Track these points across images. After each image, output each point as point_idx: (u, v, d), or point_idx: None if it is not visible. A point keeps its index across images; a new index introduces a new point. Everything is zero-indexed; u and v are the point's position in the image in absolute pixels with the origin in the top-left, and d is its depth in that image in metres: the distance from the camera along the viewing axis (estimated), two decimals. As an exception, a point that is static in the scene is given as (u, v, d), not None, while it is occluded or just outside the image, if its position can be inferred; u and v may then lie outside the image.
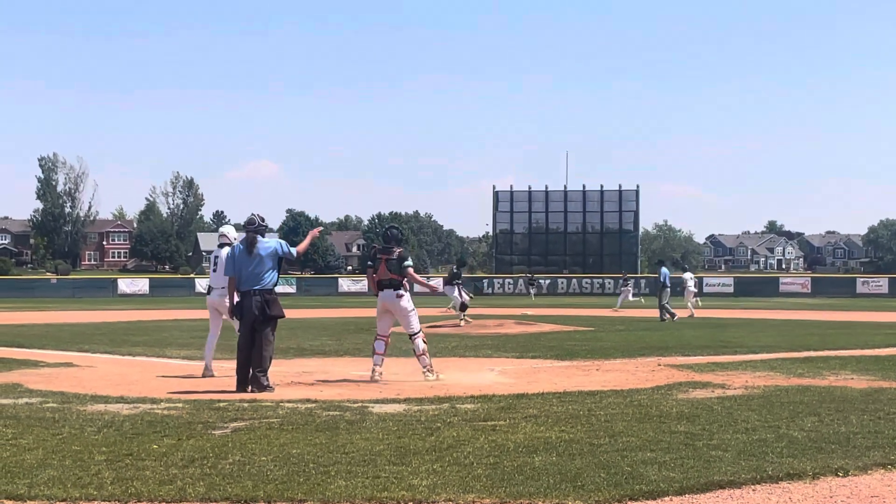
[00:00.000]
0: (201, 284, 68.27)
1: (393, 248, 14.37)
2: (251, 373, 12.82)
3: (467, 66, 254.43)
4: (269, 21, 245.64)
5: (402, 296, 14.22)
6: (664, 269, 34.94)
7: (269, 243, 13.34)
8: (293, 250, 13.46)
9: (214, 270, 15.16)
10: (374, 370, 14.04)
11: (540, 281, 72.81)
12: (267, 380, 12.80)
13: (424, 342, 14.30)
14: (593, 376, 14.48)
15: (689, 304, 38.10)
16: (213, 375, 14.55)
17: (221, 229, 15.60)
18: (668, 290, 33.84)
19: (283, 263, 13.53)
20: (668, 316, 32.33)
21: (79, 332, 24.91)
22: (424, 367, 14.13)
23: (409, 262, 14.43)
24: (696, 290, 40.03)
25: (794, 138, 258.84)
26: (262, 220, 13.60)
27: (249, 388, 12.69)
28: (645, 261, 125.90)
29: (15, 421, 9.83)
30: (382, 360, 14.23)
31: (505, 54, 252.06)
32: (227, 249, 14.71)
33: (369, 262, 14.62)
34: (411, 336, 14.26)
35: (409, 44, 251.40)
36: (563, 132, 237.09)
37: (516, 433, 9.01)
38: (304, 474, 7.24)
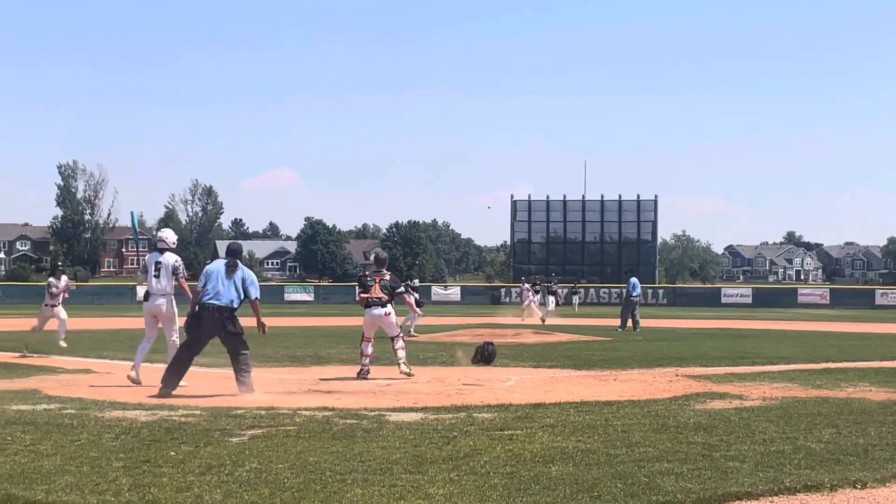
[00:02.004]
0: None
1: (383, 271, 16.34)
2: (235, 377, 13.27)
3: (486, 75, 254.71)
4: (288, 29, 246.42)
5: (390, 313, 16.09)
6: (633, 280, 34.66)
7: (244, 273, 13.71)
8: (252, 293, 13.70)
9: (157, 276, 14.64)
10: (364, 368, 15.78)
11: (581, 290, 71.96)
12: (248, 382, 13.19)
13: (404, 341, 16.29)
14: (610, 386, 14.46)
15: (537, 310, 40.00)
16: (139, 384, 14.07)
17: (161, 233, 15.14)
18: (636, 300, 33.76)
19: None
20: (631, 326, 32.26)
21: (97, 339, 25.00)
22: (402, 360, 15.83)
23: (402, 287, 16.99)
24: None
25: (814, 149, 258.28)
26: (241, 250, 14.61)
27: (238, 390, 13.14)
28: (663, 271, 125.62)
29: (33, 427, 9.87)
30: (370, 359, 15.96)
31: (523, 63, 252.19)
32: (169, 255, 14.71)
33: (360, 288, 16.23)
34: (394, 337, 16.02)
35: (428, 53, 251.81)
36: (581, 142, 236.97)
37: (533, 443, 9.01)
38: (320, 482, 7.26)
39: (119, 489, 7.04)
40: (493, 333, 28.41)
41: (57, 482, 7.23)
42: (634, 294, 33.58)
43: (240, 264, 13.79)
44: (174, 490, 7.02)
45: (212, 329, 13.42)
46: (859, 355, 20.65)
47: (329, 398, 12.70)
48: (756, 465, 7.95)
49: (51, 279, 21.84)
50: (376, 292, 15.99)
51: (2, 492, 6.93)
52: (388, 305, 16.07)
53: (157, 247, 14.96)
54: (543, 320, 38.49)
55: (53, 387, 13.79)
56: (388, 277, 16.20)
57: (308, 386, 14.33)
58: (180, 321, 14.57)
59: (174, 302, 14.74)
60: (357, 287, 16.64)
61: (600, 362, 18.65)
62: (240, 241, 16.06)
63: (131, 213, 17.81)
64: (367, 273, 16.63)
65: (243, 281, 13.63)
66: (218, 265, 13.88)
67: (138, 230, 15.23)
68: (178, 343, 14.47)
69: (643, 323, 33.03)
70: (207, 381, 14.64)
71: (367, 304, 15.97)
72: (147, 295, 14.78)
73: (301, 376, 15.56)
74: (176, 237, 15.27)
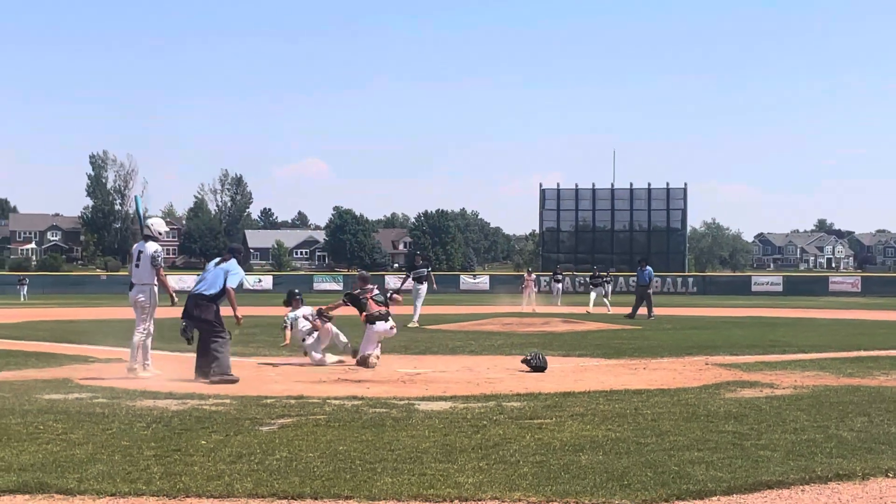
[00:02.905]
0: (248, 281, 68.60)
1: (369, 287, 16.45)
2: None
3: (515, 64, 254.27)
4: (316, 19, 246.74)
5: (394, 326, 16.30)
6: (649, 268, 34.67)
7: (230, 267, 14.28)
8: (228, 282, 14.11)
9: (137, 266, 14.34)
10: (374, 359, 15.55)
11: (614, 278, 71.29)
12: (218, 374, 13.45)
13: None
14: (640, 375, 14.42)
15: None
16: (155, 374, 13.90)
17: (149, 222, 14.69)
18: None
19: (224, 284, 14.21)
20: (645, 313, 32.41)
21: (128, 328, 24.99)
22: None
23: (389, 293, 17.27)
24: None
25: (845, 135, 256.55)
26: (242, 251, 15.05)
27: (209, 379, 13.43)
28: (693, 260, 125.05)
29: (65, 416, 9.94)
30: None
31: (552, 52, 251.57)
32: (151, 244, 14.27)
33: (357, 307, 16.10)
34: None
35: (456, 42, 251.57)
36: (610, 130, 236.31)
37: (562, 431, 9.00)
38: (350, 471, 7.28)
39: (150, 477, 7.09)
40: (521, 322, 28.44)
41: (89, 471, 7.28)
42: (644, 283, 33.89)
43: (232, 259, 14.35)
44: (205, 478, 7.05)
45: (188, 315, 14.16)
46: (891, 343, 20.50)
47: (358, 387, 12.73)
48: (787, 454, 7.91)
49: (291, 314, 16.89)
50: (373, 307, 15.95)
51: (35, 480, 6.98)
52: (390, 318, 16.20)
53: (144, 234, 14.56)
54: (608, 309, 38.33)
55: (85, 376, 13.86)
56: (376, 292, 16.43)
57: (337, 375, 14.35)
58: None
59: (155, 293, 14.32)
60: (350, 305, 16.39)
61: (630, 351, 18.60)
62: (240, 245, 16.17)
63: (135, 197, 16.85)
64: (357, 292, 16.39)
65: (226, 273, 14.12)
66: (214, 260, 14.63)
67: (143, 215, 14.92)
68: (141, 336, 14.18)
69: (641, 312, 33.00)
70: (237, 370, 14.70)
71: (371, 320, 15.85)
72: (131, 285, 14.40)
73: (330, 366, 15.58)
74: (165, 228, 14.90)
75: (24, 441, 8.54)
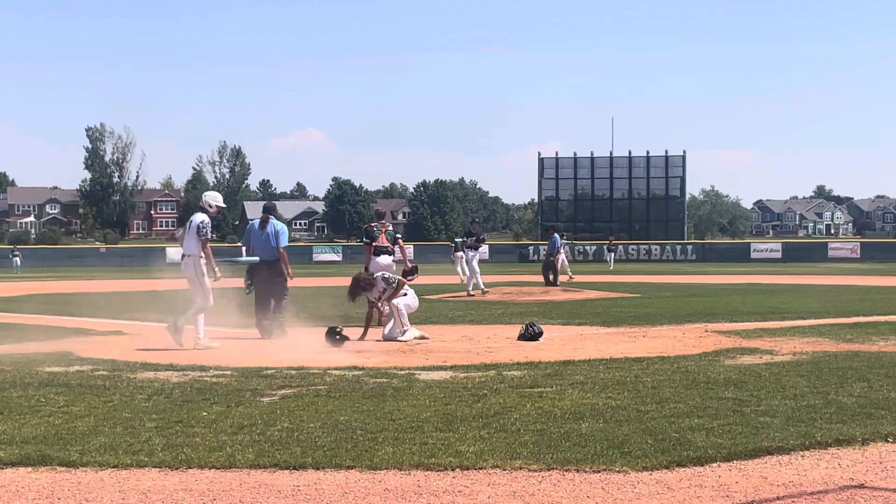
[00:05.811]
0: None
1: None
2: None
3: (513, 33, 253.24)
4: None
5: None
6: (556, 236, 34.56)
7: (278, 226, 16.03)
8: (282, 245, 15.95)
9: (188, 237, 14.33)
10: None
11: (620, 246, 71.25)
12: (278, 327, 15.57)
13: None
14: (640, 343, 14.43)
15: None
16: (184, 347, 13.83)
17: (204, 193, 14.99)
18: (562, 256, 34.71)
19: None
20: (552, 278, 32.35)
21: (128, 301, 25.11)
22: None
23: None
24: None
25: (844, 101, 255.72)
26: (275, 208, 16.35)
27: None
28: (692, 227, 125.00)
29: (66, 389, 9.96)
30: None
31: (550, 20, 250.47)
32: (198, 215, 14.35)
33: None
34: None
35: (455, 11, 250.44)
36: (608, 98, 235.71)
37: (563, 400, 9.02)
38: (351, 441, 7.30)
39: (152, 449, 7.11)
40: (521, 291, 28.42)
41: (91, 443, 7.30)
42: (551, 251, 33.71)
43: (271, 219, 15.77)
44: (207, 450, 7.07)
45: (263, 280, 15.80)
46: (890, 309, 20.52)
47: (359, 357, 12.74)
48: (787, 420, 7.93)
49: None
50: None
51: (37, 453, 7.00)
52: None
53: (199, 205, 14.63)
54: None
55: (86, 349, 13.87)
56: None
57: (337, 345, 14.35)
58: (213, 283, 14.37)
59: (199, 263, 14.13)
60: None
61: (629, 319, 18.62)
62: (273, 203, 16.85)
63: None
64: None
65: (276, 234, 15.85)
66: (254, 223, 15.96)
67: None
68: (200, 308, 14.11)
69: (562, 278, 33.18)
70: (237, 342, 14.72)
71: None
72: (183, 256, 14.38)
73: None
74: (217, 202, 14.65)
75: (26, 414, 8.56)
